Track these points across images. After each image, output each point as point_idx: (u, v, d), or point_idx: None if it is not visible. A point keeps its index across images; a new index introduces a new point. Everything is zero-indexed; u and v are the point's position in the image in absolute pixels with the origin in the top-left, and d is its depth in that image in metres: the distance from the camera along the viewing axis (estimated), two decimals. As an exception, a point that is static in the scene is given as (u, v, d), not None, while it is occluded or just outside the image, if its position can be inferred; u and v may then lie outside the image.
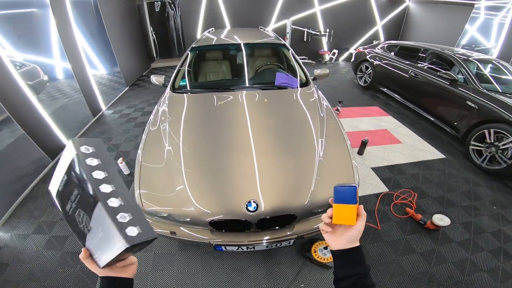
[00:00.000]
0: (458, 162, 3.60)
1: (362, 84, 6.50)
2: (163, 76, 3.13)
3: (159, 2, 7.96)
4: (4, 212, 2.62)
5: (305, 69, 3.23)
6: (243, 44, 3.47)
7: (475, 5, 6.83)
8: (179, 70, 3.15)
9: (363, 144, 3.57)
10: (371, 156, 3.61)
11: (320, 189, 1.78)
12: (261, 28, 5.14)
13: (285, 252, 2.27)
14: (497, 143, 3.25)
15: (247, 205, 1.64)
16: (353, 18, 8.71)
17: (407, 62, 5.14)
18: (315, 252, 2.17)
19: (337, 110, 4.91)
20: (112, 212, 0.64)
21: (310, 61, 8.79)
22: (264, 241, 1.76)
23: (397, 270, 2.14)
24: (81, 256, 0.67)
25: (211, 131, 2.23)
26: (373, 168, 3.36)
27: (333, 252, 0.73)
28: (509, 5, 6.70)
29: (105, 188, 0.66)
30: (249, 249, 1.87)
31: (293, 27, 8.18)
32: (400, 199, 2.86)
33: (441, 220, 2.39)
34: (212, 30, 4.79)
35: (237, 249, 1.85)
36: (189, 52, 3.39)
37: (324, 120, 2.38)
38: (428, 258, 2.25)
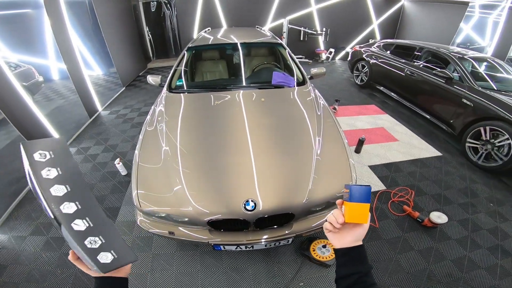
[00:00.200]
0: (455, 159, 3.62)
1: (358, 83, 6.52)
2: (160, 76, 3.12)
3: (155, 2, 7.92)
4: (2, 214, 2.60)
5: (302, 68, 3.23)
6: (240, 43, 3.47)
7: (470, 4, 6.87)
8: (175, 70, 3.14)
9: (360, 143, 3.58)
10: (368, 154, 3.62)
11: (318, 187, 1.78)
12: (257, 27, 5.13)
13: (284, 251, 2.27)
14: (493, 140, 3.27)
15: (245, 205, 1.64)
16: (349, 17, 8.74)
17: (403, 61, 5.17)
18: (313, 250, 2.17)
19: (334, 108, 4.92)
20: (79, 237, 0.55)
21: (306, 60, 8.81)
22: (263, 240, 1.76)
23: (396, 268, 2.15)
24: (70, 258, 0.63)
25: (209, 131, 2.23)
26: (370, 166, 3.37)
27: (337, 251, 0.73)
28: (504, 3, 6.74)
29: (68, 208, 0.56)
30: (247, 249, 1.87)
31: (290, 26, 8.18)
32: (397, 197, 2.87)
33: (438, 217, 2.41)
34: (209, 29, 4.78)
35: (236, 248, 1.85)
36: (185, 52, 3.38)
37: (321, 118, 2.38)
38: (426, 255, 2.26)
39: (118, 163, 3.11)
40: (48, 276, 2.07)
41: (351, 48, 7.14)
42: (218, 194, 1.73)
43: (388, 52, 5.73)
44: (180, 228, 1.80)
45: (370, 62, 5.96)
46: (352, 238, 0.71)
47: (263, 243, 1.79)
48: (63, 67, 3.90)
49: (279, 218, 1.75)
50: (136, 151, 2.07)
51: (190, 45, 3.55)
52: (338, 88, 6.42)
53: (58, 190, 0.56)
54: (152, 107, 2.70)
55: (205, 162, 1.93)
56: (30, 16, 3.49)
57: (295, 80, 3.02)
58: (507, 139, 3.09)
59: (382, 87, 5.82)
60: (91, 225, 0.57)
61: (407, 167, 3.40)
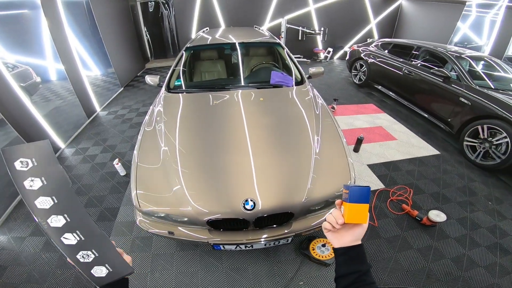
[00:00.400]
0: (453, 158, 3.63)
1: (357, 82, 6.53)
2: (158, 76, 3.12)
3: (153, 2, 7.91)
4: (1, 215, 2.59)
5: (300, 68, 3.23)
6: (238, 43, 3.46)
7: (467, 3, 6.90)
8: (174, 70, 3.13)
9: (359, 141, 3.59)
10: (367, 153, 3.63)
11: (317, 186, 1.79)
12: (255, 27, 5.13)
13: (284, 250, 2.28)
14: (491, 138, 3.29)
15: (244, 204, 1.64)
16: (347, 17, 8.75)
17: (401, 60, 5.18)
18: (313, 249, 2.18)
19: (333, 108, 4.93)
20: (71, 252, 0.53)
21: (305, 59, 8.82)
22: (262, 240, 1.77)
23: (395, 267, 2.16)
24: (69, 260, 0.60)
25: (207, 131, 2.23)
26: (369, 165, 3.38)
27: (336, 250, 0.74)
28: (501, 2, 6.77)
29: (56, 221, 0.52)
30: (247, 248, 1.87)
31: (288, 26, 8.19)
32: (396, 195, 2.88)
33: (437, 216, 2.42)
34: (207, 29, 4.78)
35: (236, 248, 1.85)
36: (183, 52, 3.37)
37: (320, 118, 2.38)
38: (425, 254, 2.27)
39: (117, 164, 3.11)
40: (48, 276, 2.07)
41: (349, 48, 7.15)
42: (218, 193, 1.73)
43: (386, 51, 5.74)
44: (179, 228, 1.79)
45: (368, 61, 5.97)
46: (351, 238, 0.72)
47: (262, 242, 1.79)
48: (61, 67, 3.89)
49: (278, 217, 1.75)
50: (135, 152, 2.07)
51: (188, 45, 3.54)
52: (337, 88, 6.43)
53: (44, 202, 0.52)
54: (151, 107, 2.70)
55: (204, 162, 1.93)
56: (27, 17, 3.47)
57: (294, 80, 3.02)
58: (505, 137, 3.11)
59: (380, 86, 5.83)
60: (82, 238, 0.53)
61: (406, 165, 3.41)
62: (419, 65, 4.78)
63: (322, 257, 2.13)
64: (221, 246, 1.82)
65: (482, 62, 4.30)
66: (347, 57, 6.99)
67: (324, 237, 2.21)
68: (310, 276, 2.08)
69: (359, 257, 0.71)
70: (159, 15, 8.15)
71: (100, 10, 5.35)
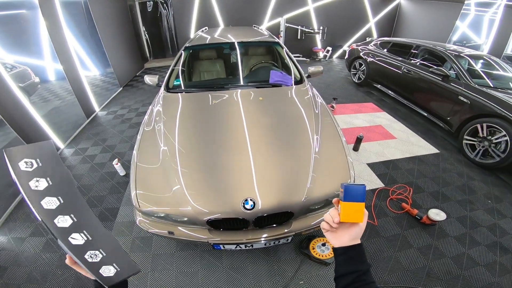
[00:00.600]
0: (452, 156, 3.64)
1: (356, 81, 6.53)
2: (157, 76, 3.11)
3: (151, 2, 7.89)
4: (1, 216, 2.59)
5: (299, 67, 3.23)
6: (237, 42, 3.46)
7: (466, 2, 6.90)
8: (173, 70, 3.13)
9: (358, 140, 3.59)
10: (366, 152, 3.63)
11: (316, 186, 1.78)
12: (254, 26, 5.12)
13: (284, 249, 2.27)
14: (490, 137, 3.29)
15: (244, 203, 1.64)
16: (346, 16, 8.75)
17: (400, 59, 5.18)
18: (313, 249, 2.18)
19: (332, 107, 4.93)
20: (78, 252, 0.52)
21: (304, 58, 8.82)
22: (262, 239, 1.77)
23: (395, 266, 2.16)
24: (67, 262, 0.59)
25: (207, 130, 2.22)
26: (368, 164, 3.38)
27: (335, 250, 0.74)
28: (499, 1, 6.78)
29: (63, 221, 0.51)
30: (247, 247, 1.87)
31: (287, 25, 8.18)
32: (396, 194, 2.89)
33: (437, 215, 2.42)
34: (206, 29, 4.77)
35: (236, 247, 1.85)
36: (182, 52, 3.37)
37: (319, 117, 2.38)
38: (425, 253, 2.27)
39: (117, 164, 3.10)
40: (48, 277, 2.07)
41: (348, 47, 7.16)
42: (217, 193, 1.73)
43: (385, 50, 5.75)
44: (179, 228, 1.79)
45: (368, 60, 5.98)
46: (349, 237, 0.72)
47: (262, 242, 1.79)
48: (59, 67, 3.88)
49: (278, 217, 1.75)
50: (134, 152, 2.06)
51: (187, 45, 3.53)
52: (336, 87, 6.43)
53: (50, 203, 0.51)
54: (150, 107, 2.69)
55: (203, 161, 1.92)
56: (25, 17, 3.46)
57: (293, 79, 3.02)
58: (504, 135, 3.11)
59: (379, 85, 5.83)
60: (90, 238, 0.53)
61: (405, 164, 3.41)
62: (418, 64, 4.78)
63: (322, 256, 2.13)
64: (221, 245, 1.82)
65: (481, 60, 4.31)
66: (346, 56, 7.00)
67: (324, 236, 2.22)
68: (310, 275, 2.08)
69: (359, 257, 0.71)
70: (158, 15, 8.13)
71: (98, 10, 5.33)
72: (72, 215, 0.52)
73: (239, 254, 2.24)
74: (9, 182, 2.75)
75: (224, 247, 1.84)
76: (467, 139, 3.58)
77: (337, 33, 9.01)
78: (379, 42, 6.15)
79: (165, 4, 7.97)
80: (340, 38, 9.24)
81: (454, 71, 4.05)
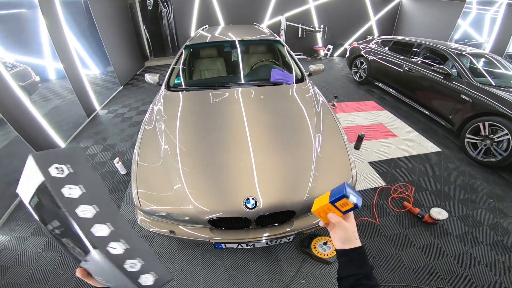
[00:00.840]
0: (454, 155, 3.63)
1: (357, 79, 6.52)
2: (158, 75, 3.10)
3: (152, 0, 7.86)
4: (2, 215, 2.58)
5: (301, 65, 3.22)
6: (238, 41, 3.44)
7: (467, 0, 6.86)
8: (173, 68, 3.12)
9: (360, 139, 3.58)
10: (368, 151, 3.62)
11: (318, 184, 1.78)
12: (255, 24, 5.11)
13: (285, 248, 2.27)
14: (492, 135, 3.28)
15: (245, 202, 1.63)
16: (347, 14, 8.72)
17: (402, 57, 5.16)
18: (315, 247, 2.17)
19: (333, 105, 4.92)
20: (118, 262, 0.49)
21: (305, 57, 8.80)
22: (264, 238, 1.76)
23: (397, 265, 2.15)
24: (79, 275, 0.56)
25: (208, 129, 2.21)
26: (370, 163, 3.37)
27: (336, 251, 0.75)
28: (501, 0, 6.74)
29: (101, 231, 0.49)
30: (249, 247, 1.86)
31: (288, 23, 8.15)
32: (397, 193, 2.88)
33: (439, 213, 2.41)
34: (206, 27, 4.75)
35: (237, 246, 1.85)
36: (183, 50, 3.36)
37: (321, 115, 2.37)
38: (427, 252, 2.26)
39: (117, 163, 3.09)
40: (50, 276, 2.06)
41: (349, 45, 7.13)
42: (219, 192, 1.72)
43: (387, 48, 5.73)
44: (181, 227, 1.79)
45: (369, 58, 5.96)
46: (338, 240, 0.73)
47: (264, 241, 1.78)
48: (60, 66, 3.87)
49: (280, 216, 1.74)
50: (135, 150, 2.06)
51: (187, 43, 3.52)
52: (337, 85, 6.42)
53: (86, 211, 0.48)
54: (151, 105, 2.68)
55: (204, 160, 1.92)
56: (25, 16, 3.44)
57: (294, 77, 3.01)
58: (506, 134, 3.10)
59: (380, 84, 5.82)
60: (128, 247, 0.50)
61: (407, 163, 3.40)
62: (419, 62, 4.76)
63: (324, 255, 2.12)
64: (222, 245, 1.82)
65: (483, 59, 4.28)
66: (347, 55, 6.98)
67: (326, 235, 2.22)
68: (312, 274, 2.07)
69: (359, 259, 0.71)
70: (158, 13, 8.11)
71: (98, 8, 5.32)
72: (108, 224, 0.50)
73: (240, 253, 2.24)
74: (10, 182, 2.75)
75: (225, 246, 1.84)
76: (469, 138, 3.57)
77: (338, 31, 8.98)
78: (380, 40, 6.13)
79: (165, 3, 7.95)
80: (341, 37, 9.21)
81: (456, 69, 4.03)
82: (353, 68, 6.67)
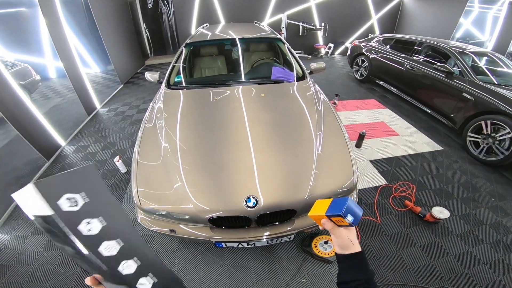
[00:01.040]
0: (456, 153, 3.61)
1: (358, 78, 6.49)
2: (158, 73, 3.09)
3: (152, -2, 7.84)
4: (2, 214, 2.58)
5: (301, 63, 3.20)
6: (238, 39, 3.43)
7: (469, -2, 6.83)
8: (173, 67, 3.10)
9: (361, 137, 3.57)
10: (369, 149, 3.61)
11: (319, 183, 1.77)
12: (256, 23, 5.09)
13: (286, 247, 2.26)
14: (494, 134, 3.26)
15: (246, 201, 1.62)
16: (348, 12, 8.68)
17: (403, 55, 5.14)
18: (315, 247, 2.16)
19: (334, 103, 4.90)
20: None
21: (306, 55, 8.77)
22: (264, 237, 1.75)
23: (398, 264, 2.14)
24: (89, 283, 0.52)
25: (208, 127, 2.20)
26: (371, 161, 3.36)
27: (336, 256, 0.75)
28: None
29: (128, 268, 0.43)
30: (249, 246, 1.86)
31: (288, 21, 8.12)
32: (399, 191, 2.86)
33: (440, 212, 2.40)
34: (207, 25, 4.74)
35: (238, 245, 1.84)
36: (183, 48, 3.34)
37: (322, 113, 2.36)
38: (428, 251, 2.25)
39: (118, 161, 3.09)
40: (51, 275, 2.06)
41: (351, 43, 7.10)
42: (219, 191, 1.71)
43: (388, 46, 5.70)
44: (181, 226, 1.78)
45: (370, 56, 5.93)
46: (336, 245, 0.73)
47: (265, 240, 1.77)
48: (60, 65, 3.86)
49: (280, 215, 1.73)
50: (135, 149, 2.04)
51: (188, 41, 3.51)
52: (338, 83, 6.40)
53: (110, 248, 0.41)
54: (151, 104, 2.67)
55: (205, 158, 1.91)
56: (25, 15, 3.43)
57: (295, 75, 2.99)
58: (508, 133, 3.08)
59: (382, 82, 5.80)
60: (156, 280, 0.46)
61: (408, 161, 3.38)
62: (421, 60, 4.74)
63: (325, 254, 2.11)
64: (223, 244, 1.81)
65: (485, 57, 4.25)
66: (349, 53, 6.95)
67: (327, 234, 2.20)
68: (313, 274, 2.06)
69: (359, 265, 0.70)
70: (158, 12, 8.07)
71: (99, 7, 5.31)
72: (135, 258, 0.44)
73: (241, 252, 2.23)
74: (10, 181, 2.75)
75: (226, 245, 1.83)
76: (471, 136, 3.55)
77: (339, 29, 8.95)
78: (381, 38, 6.11)
79: (165, 1, 7.91)
80: (342, 35, 9.18)
81: (458, 68, 4.01)
82: (354, 66, 6.65)
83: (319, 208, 0.75)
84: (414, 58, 4.90)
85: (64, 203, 0.39)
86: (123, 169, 3.15)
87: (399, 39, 5.64)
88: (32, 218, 0.41)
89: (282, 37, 6.63)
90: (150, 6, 7.91)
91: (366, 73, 6.16)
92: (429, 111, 4.47)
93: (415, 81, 4.73)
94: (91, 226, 0.40)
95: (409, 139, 3.90)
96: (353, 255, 0.70)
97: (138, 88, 6.06)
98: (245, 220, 1.68)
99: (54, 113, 3.69)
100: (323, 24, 8.53)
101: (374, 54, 5.84)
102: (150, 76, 3.07)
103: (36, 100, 3.39)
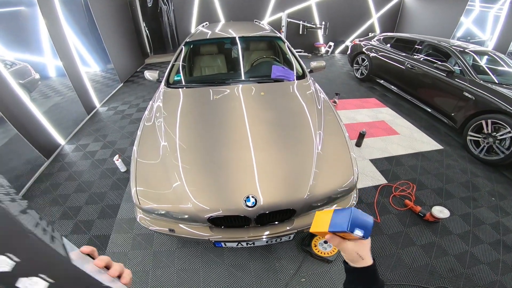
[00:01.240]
0: (456, 152, 3.60)
1: (358, 76, 6.48)
2: (157, 72, 3.08)
3: (151, -3, 7.82)
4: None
5: (301, 62, 3.19)
6: (238, 37, 3.42)
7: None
8: (173, 65, 3.09)
9: (361, 136, 3.56)
10: (369, 148, 3.60)
11: (319, 182, 1.76)
12: (256, 21, 5.07)
13: (285, 247, 2.26)
14: (495, 133, 3.25)
15: (245, 201, 1.61)
16: (348, 11, 8.65)
17: (403, 54, 5.12)
18: (315, 246, 2.16)
19: (334, 102, 4.88)
20: None
21: (306, 54, 8.75)
22: (264, 237, 1.74)
23: (397, 263, 2.14)
24: None
25: (208, 126, 2.19)
26: (371, 160, 3.35)
27: (344, 264, 0.71)
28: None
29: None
30: (249, 245, 1.85)
31: (289, 20, 8.10)
32: (399, 191, 2.86)
33: (440, 212, 2.39)
34: (206, 24, 4.72)
35: (237, 245, 1.83)
36: (183, 47, 3.33)
37: (322, 112, 2.35)
38: (428, 250, 2.25)
39: (117, 160, 3.08)
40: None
41: (351, 42, 7.08)
42: (218, 190, 1.70)
43: (388, 45, 5.68)
44: (180, 225, 1.77)
45: (370, 55, 5.92)
46: (345, 257, 0.68)
47: (264, 239, 1.77)
48: (60, 64, 3.85)
49: (280, 214, 1.73)
50: (135, 148, 2.04)
51: (187, 40, 3.49)
52: (338, 82, 6.38)
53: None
54: (150, 102, 2.66)
55: (204, 157, 1.90)
56: (24, 14, 3.42)
57: (295, 74, 2.98)
58: (509, 132, 3.07)
59: (382, 81, 5.78)
60: None
61: (408, 160, 3.38)
62: (422, 59, 4.72)
63: (324, 253, 2.11)
64: (222, 243, 1.80)
65: (486, 56, 4.23)
66: (349, 52, 6.93)
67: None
68: (312, 273, 2.06)
69: (367, 278, 0.66)
70: (158, 10, 8.05)
71: (98, 6, 5.29)
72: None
73: (240, 251, 2.23)
74: (9, 180, 2.72)
75: (225, 244, 1.83)
76: (471, 135, 3.54)
77: (339, 28, 8.92)
78: (382, 37, 6.09)
79: (165, 0, 7.90)
80: (342, 33, 9.16)
81: (459, 66, 4.00)
82: (354, 65, 6.63)
83: (321, 223, 0.66)
84: (415, 57, 4.88)
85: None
86: (122, 168, 3.14)
87: (400, 38, 5.62)
88: None
89: (282, 35, 6.62)
90: (149, 5, 7.89)
91: (366, 72, 6.15)
92: (429, 110, 4.46)
93: (415, 80, 4.72)
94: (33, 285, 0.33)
95: (409, 138, 3.89)
96: (362, 269, 0.65)
97: (137, 87, 6.05)
98: (244, 219, 1.67)
99: (54, 112, 3.69)
100: (323, 22, 8.51)
101: (374, 53, 5.83)
102: (149, 74, 3.07)
103: (36, 99, 3.38)
